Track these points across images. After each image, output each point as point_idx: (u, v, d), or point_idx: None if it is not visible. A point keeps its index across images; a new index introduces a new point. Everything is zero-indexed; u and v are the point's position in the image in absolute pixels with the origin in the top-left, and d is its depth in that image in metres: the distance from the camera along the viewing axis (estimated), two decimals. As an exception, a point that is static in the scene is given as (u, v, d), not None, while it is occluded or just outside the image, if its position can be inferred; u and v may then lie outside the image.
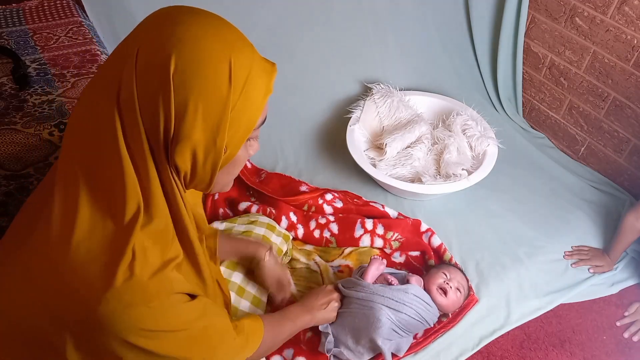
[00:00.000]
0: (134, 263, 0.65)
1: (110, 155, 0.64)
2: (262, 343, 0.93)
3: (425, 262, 1.44)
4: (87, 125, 0.66)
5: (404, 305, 1.16)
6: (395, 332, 1.15)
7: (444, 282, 1.26)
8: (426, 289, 1.25)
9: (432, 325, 1.24)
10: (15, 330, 0.70)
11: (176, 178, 0.68)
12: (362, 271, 1.26)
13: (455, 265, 1.40)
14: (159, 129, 0.63)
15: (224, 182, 0.76)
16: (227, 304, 1.03)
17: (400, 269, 1.39)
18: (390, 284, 1.22)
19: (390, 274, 1.28)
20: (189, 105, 0.62)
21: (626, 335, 1.34)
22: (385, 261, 1.27)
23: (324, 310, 1.17)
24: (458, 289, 1.26)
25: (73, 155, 0.67)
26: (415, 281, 1.25)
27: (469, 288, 1.33)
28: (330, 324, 1.19)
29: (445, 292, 1.24)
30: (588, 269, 1.47)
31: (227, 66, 0.63)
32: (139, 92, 0.62)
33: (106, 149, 0.64)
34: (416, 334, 1.25)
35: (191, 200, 0.79)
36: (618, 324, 1.37)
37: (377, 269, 1.24)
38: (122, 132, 0.63)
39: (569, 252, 1.51)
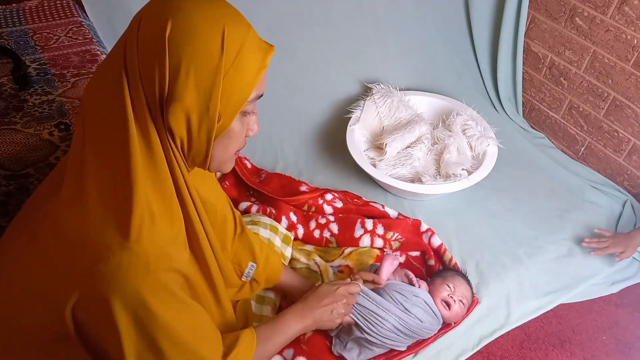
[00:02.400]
0: (142, 229, 0.68)
1: (119, 121, 0.68)
2: None
3: (425, 262, 1.44)
4: (99, 95, 0.70)
5: (413, 305, 1.16)
6: (396, 333, 1.15)
7: (448, 295, 1.23)
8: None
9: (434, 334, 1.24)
10: (19, 291, 0.74)
11: (174, 146, 0.71)
12: (374, 269, 1.23)
13: (455, 267, 1.40)
14: (155, 92, 0.67)
15: (222, 157, 0.77)
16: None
17: (398, 253, 1.40)
18: (410, 280, 1.20)
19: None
20: (182, 67, 0.66)
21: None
22: (398, 255, 1.22)
23: (326, 316, 1.05)
24: (461, 301, 1.25)
25: (85, 123, 0.71)
26: (424, 287, 1.23)
27: (472, 295, 1.31)
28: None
29: (449, 306, 1.23)
30: (614, 257, 1.46)
31: (220, 34, 0.67)
32: (139, 57, 0.67)
33: (115, 115, 0.68)
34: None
35: (197, 184, 0.81)
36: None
37: (391, 264, 1.20)
38: (129, 98, 0.68)
39: (588, 239, 1.50)
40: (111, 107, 0.69)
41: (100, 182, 0.69)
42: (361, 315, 1.13)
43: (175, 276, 0.75)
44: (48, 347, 0.76)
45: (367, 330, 1.13)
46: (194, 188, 0.78)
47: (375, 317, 1.13)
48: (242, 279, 1.08)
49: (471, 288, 1.31)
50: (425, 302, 1.18)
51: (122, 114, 0.67)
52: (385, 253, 1.22)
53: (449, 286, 1.25)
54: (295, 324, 1.02)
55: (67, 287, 0.69)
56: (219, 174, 1.66)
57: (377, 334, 1.13)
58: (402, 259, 1.44)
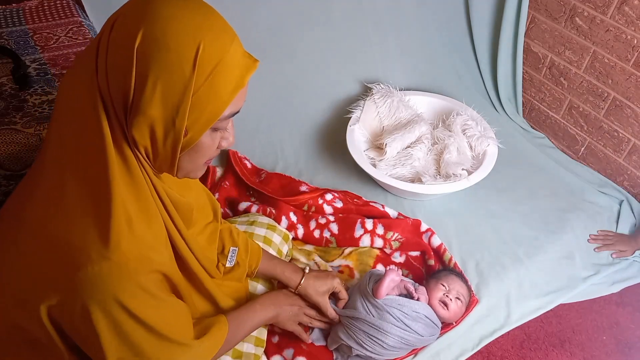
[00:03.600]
0: (121, 235, 0.68)
1: (93, 124, 0.67)
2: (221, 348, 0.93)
3: (425, 262, 1.44)
4: (73, 93, 0.69)
5: (413, 321, 1.15)
6: (397, 349, 1.15)
7: (444, 294, 1.23)
8: (428, 303, 1.23)
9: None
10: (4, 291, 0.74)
11: (137, 152, 0.70)
12: (374, 280, 1.20)
13: (455, 267, 1.39)
14: (120, 99, 0.65)
15: (189, 167, 0.75)
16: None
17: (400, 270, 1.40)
18: (410, 293, 1.18)
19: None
20: (149, 79, 0.63)
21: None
22: (400, 271, 1.21)
23: (286, 315, 1.12)
24: (458, 298, 1.24)
25: (61, 120, 0.70)
26: (425, 300, 1.21)
27: (470, 293, 1.31)
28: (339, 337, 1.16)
29: (446, 305, 1.23)
30: (611, 254, 1.51)
31: (193, 50, 0.63)
32: (108, 60, 0.64)
33: (89, 117, 0.67)
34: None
35: (168, 186, 0.81)
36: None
37: (392, 281, 1.16)
38: (101, 100, 0.66)
39: (594, 235, 1.55)
40: (84, 109, 0.67)
41: (78, 185, 0.68)
42: (362, 338, 1.13)
43: (154, 276, 0.76)
44: (33, 349, 0.76)
45: (370, 349, 1.14)
46: (163, 192, 0.77)
47: (375, 339, 1.13)
48: (227, 264, 1.09)
49: (467, 285, 1.30)
50: (425, 316, 1.17)
51: (96, 116, 0.66)
52: (388, 268, 1.19)
53: (443, 285, 1.25)
54: (262, 313, 1.08)
55: (45, 290, 0.69)
56: (219, 171, 1.66)
57: (378, 353, 1.15)
58: (403, 273, 1.44)
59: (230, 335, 0.96)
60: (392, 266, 1.25)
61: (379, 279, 1.19)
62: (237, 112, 0.72)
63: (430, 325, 1.18)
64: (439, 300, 1.23)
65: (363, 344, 1.13)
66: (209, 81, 0.65)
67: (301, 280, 1.17)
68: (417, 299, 1.19)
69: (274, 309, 1.10)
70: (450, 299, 1.23)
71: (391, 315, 1.13)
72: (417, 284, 1.26)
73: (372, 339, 1.13)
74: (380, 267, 1.39)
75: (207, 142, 0.73)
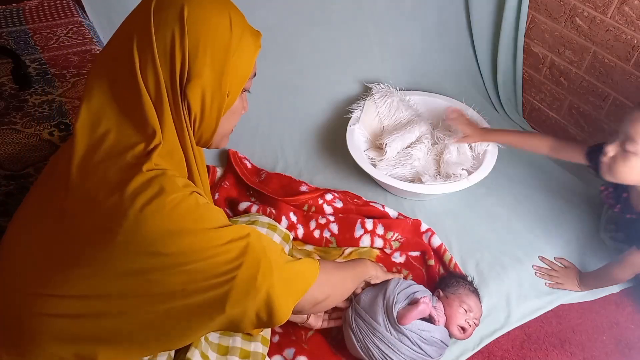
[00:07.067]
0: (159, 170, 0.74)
1: (133, 94, 0.74)
2: (319, 278, 0.93)
3: (425, 262, 1.44)
4: (112, 70, 0.76)
5: (428, 345, 1.15)
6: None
7: (465, 320, 1.21)
8: (446, 325, 1.21)
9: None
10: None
11: (189, 124, 0.78)
12: (403, 299, 1.17)
13: (455, 268, 1.39)
14: (175, 69, 0.73)
15: (224, 132, 0.86)
16: None
17: (400, 270, 1.39)
18: (432, 321, 1.17)
19: (416, 292, 1.21)
20: (200, 46, 0.74)
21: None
22: (431, 304, 1.18)
23: (378, 267, 1.21)
24: (475, 322, 1.23)
25: (101, 84, 0.76)
26: (443, 322, 1.19)
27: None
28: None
29: (464, 331, 1.22)
30: (545, 283, 1.42)
31: (227, 18, 0.76)
32: (156, 37, 0.73)
33: (130, 89, 0.74)
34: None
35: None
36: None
37: (420, 313, 1.14)
38: (145, 87, 0.73)
39: (538, 268, 1.45)
40: (128, 95, 0.74)
41: (117, 135, 0.75)
42: (373, 351, 1.13)
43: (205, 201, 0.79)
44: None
45: None
46: (202, 165, 0.85)
47: (385, 356, 1.13)
48: None
49: (479, 302, 1.29)
50: (441, 340, 1.17)
51: (138, 100, 0.73)
52: (421, 300, 1.15)
53: (465, 309, 1.22)
54: (358, 262, 1.15)
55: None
56: (219, 171, 1.66)
57: None
58: (403, 273, 1.44)
59: (329, 267, 1.00)
60: (426, 297, 1.17)
61: (409, 302, 1.17)
62: (255, 73, 0.85)
63: (442, 347, 1.18)
64: (459, 326, 1.21)
65: (372, 355, 1.13)
66: (242, 42, 0.78)
67: None
68: (437, 322, 1.18)
69: (364, 262, 1.17)
70: (470, 325, 1.22)
71: (409, 338, 1.13)
72: (435, 299, 1.24)
73: (382, 355, 1.13)
74: (382, 269, 1.40)
75: (238, 104, 0.85)
